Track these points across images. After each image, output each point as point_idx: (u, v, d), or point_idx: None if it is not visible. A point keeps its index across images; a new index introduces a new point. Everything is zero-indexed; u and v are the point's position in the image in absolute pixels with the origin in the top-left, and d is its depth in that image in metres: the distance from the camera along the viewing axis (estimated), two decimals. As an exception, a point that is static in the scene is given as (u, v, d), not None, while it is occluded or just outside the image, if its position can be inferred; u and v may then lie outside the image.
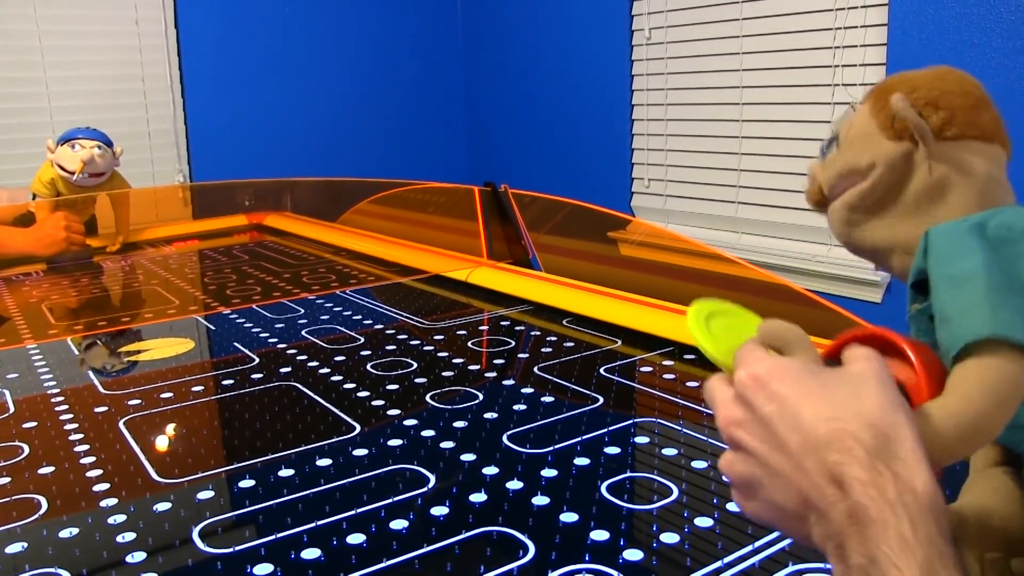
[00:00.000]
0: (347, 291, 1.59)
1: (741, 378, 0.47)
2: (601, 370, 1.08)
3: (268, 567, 0.65)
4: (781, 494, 0.44)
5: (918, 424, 0.43)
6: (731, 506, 0.72)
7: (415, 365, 1.13)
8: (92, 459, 0.86)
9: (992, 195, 0.51)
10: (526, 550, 0.66)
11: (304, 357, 1.18)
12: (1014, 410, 0.44)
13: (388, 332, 1.29)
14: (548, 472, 0.80)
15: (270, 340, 1.27)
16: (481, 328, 1.32)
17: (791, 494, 0.43)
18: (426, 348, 1.21)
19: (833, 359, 0.49)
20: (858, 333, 0.50)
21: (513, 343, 1.25)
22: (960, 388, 0.45)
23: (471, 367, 1.12)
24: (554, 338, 1.23)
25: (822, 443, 0.42)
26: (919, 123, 0.51)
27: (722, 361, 0.51)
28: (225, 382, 1.10)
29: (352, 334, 1.29)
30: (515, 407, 0.96)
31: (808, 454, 0.42)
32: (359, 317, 1.39)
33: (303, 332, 1.31)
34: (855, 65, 2.29)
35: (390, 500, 0.75)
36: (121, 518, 0.73)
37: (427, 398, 1.01)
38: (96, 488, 0.79)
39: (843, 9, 2.30)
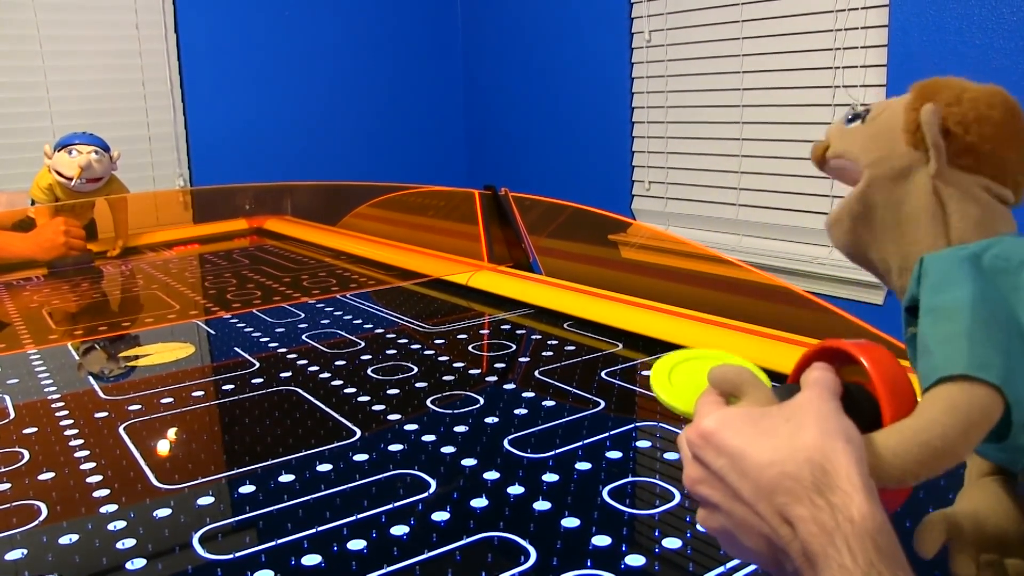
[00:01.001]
0: (347, 295, 1.59)
1: (691, 437, 0.48)
2: (602, 374, 1.08)
3: (268, 573, 0.64)
4: (751, 541, 0.45)
5: (867, 446, 0.44)
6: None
7: (416, 369, 1.13)
8: (92, 465, 0.86)
9: (993, 223, 0.50)
10: (527, 555, 0.66)
11: (304, 361, 1.18)
12: (980, 438, 0.44)
13: (388, 336, 1.29)
14: (549, 477, 0.79)
15: (270, 344, 1.27)
16: (482, 332, 1.32)
17: (758, 540, 0.45)
18: (427, 352, 1.20)
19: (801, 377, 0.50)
20: (819, 348, 0.51)
21: (514, 347, 1.24)
22: (927, 412, 0.45)
23: (472, 371, 1.12)
24: (555, 342, 1.23)
25: (769, 488, 0.43)
26: (938, 143, 0.49)
27: (685, 412, 0.52)
28: (225, 387, 1.09)
29: (352, 338, 1.29)
30: (516, 411, 0.96)
31: (760, 500, 0.44)
32: (359, 321, 1.39)
33: (303, 336, 1.31)
34: (856, 67, 2.29)
35: (391, 505, 0.75)
36: (121, 524, 0.73)
37: (428, 402, 1.00)
38: (96, 494, 0.79)
39: (844, 11, 2.30)
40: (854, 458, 0.42)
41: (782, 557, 0.43)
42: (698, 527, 0.50)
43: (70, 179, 1.98)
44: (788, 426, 0.45)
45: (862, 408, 0.47)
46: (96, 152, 2.01)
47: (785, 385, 0.51)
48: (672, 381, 0.55)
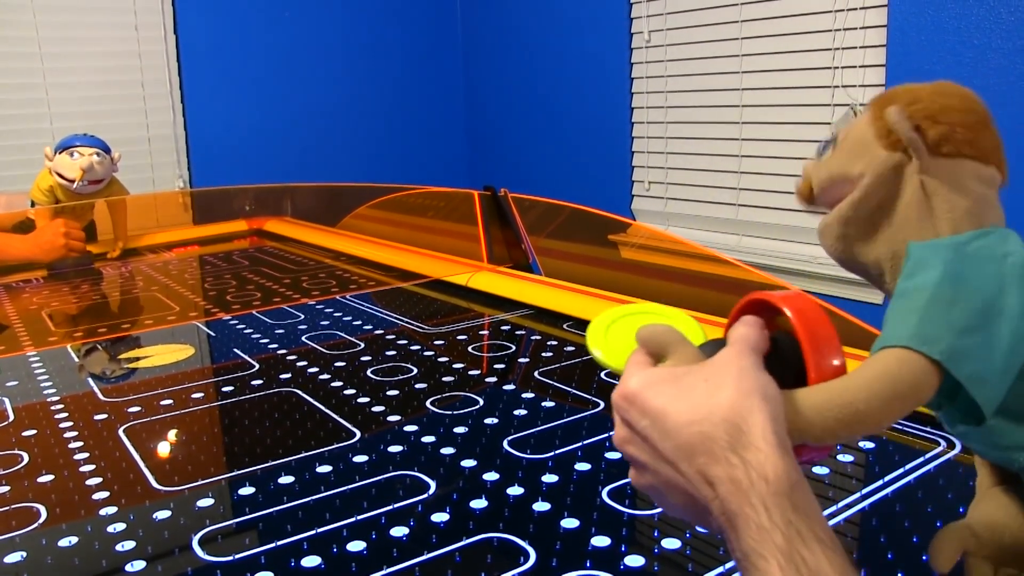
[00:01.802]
0: (347, 296, 1.59)
1: (615, 398, 0.49)
2: (602, 374, 1.08)
3: (268, 575, 0.64)
4: (678, 498, 0.46)
5: (789, 402, 0.44)
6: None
7: (415, 370, 1.13)
8: (92, 467, 0.86)
9: (982, 216, 0.50)
10: (527, 556, 0.66)
11: (304, 363, 1.18)
12: (904, 410, 0.45)
13: (388, 337, 1.29)
14: (549, 478, 0.79)
15: (270, 346, 1.27)
16: (481, 333, 1.32)
17: (685, 498, 0.45)
18: (426, 353, 1.20)
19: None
20: (747, 300, 0.51)
21: (513, 347, 1.24)
22: (858, 374, 0.45)
23: (471, 372, 1.12)
24: (555, 342, 1.23)
25: (689, 448, 0.44)
26: (912, 137, 0.50)
27: (619, 370, 0.52)
28: (225, 388, 1.10)
29: (352, 339, 1.29)
30: (516, 412, 0.96)
31: (681, 460, 0.44)
32: (359, 322, 1.39)
33: (303, 338, 1.31)
34: (855, 66, 2.29)
35: (390, 507, 0.75)
36: (121, 526, 0.73)
37: (427, 403, 1.01)
38: (95, 496, 0.79)
39: (842, 11, 2.30)
40: (769, 415, 0.43)
41: (706, 515, 0.44)
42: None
43: (72, 181, 1.98)
44: (706, 385, 0.45)
45: (788, 358, 0.48)
46: (98, 154, 2.01)
47: (712, 340, 0.52)
48: (608, 339, 0.55)
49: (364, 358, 1.19)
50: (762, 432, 0.42)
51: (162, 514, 0.75)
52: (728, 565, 0.63)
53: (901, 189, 0.51)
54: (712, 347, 0.50)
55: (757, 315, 0.50)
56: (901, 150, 0.51)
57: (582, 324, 1.30)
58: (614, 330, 0.56)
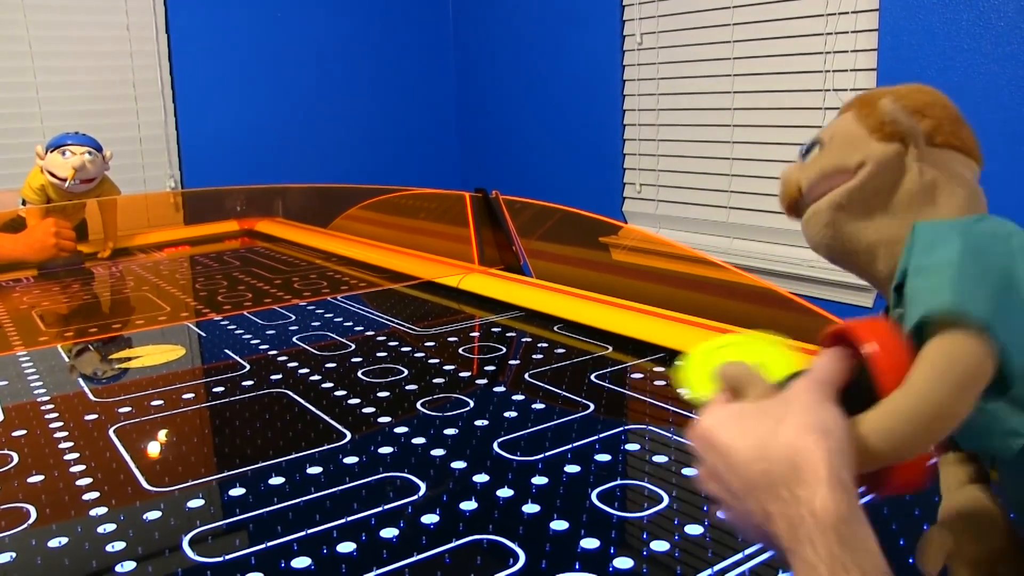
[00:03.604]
0: (338, 297, 1.59)
1: (693, 436, 0.50)
2: (592, 376, 1.08)
3: (258, 576, 0.65)
4: (753, 532, 0.47)
5: (852, 430, 0.44)
6: (721, 513, 0.72)
7: (406, 372, 1.13)
8: (82, 467, 0.86)
9: (977, 204, 0.52)
10: (516, 558, 0.66)
11: (295, 364, 1.18)
12: (974, 393, 0.44)
13: (379, 339, 1.29)
14: (539, 480, 0.80)
15: (261, 347, 1.27)
16: (472, 335, 1.32)
17: (757, 532, 0.46)
18: (417, 355, 1.20)
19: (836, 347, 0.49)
20: (833, 331, 0.50)
21: (504, 349, 1.25)
22: (914, 380, 0.44)
23: (462, 374, 1.12)
24: (545, 344, 1.23)
25: (751, 485, 0.45)
26: (912, 124, 0.51)
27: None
28: (216, 389, 1.10)
29: (343, 341, 1.29)
30: (506, 414, 0.96)
31: (748, 496, 0.45)
32: (350, 324, 1.39)
33: (294, 339, 1.31)
34: (846, 70, 2.30)
35: (380, 508, 0.75)
36: (111, 527, 0.73)
37: (418, 405, 1.01)
38: (86, 497, 0.79)
39: (834, 14, 2.31)
40: (826, 451, 0.43)
41: (775, 548, 0.45)
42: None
43: (64, 180, 1.98)
44: (770, 422, 0.46)
45: (870, 386, 0.47)
46: (89, 152, 2.01)
47: (795, 374, 0.51)
48: (700, 375, 0.56)
49: (355, 359, 1.19)
50: (814, 468, 0.42)
51: (152, 514, 0.75)
52: (716, 567, 0.64)
53: (901, 176, 0.52)
54: (791, 381, 0.50)
55: (846, 342, 0.49)
56: (898, 140, 0.52)
57: (573, 326, 1.30)
58: (707, 364, 0.56)
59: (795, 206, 0.58)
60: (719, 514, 0.50)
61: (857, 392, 0.47)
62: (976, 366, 0.43)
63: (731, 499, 0.47)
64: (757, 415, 0.47)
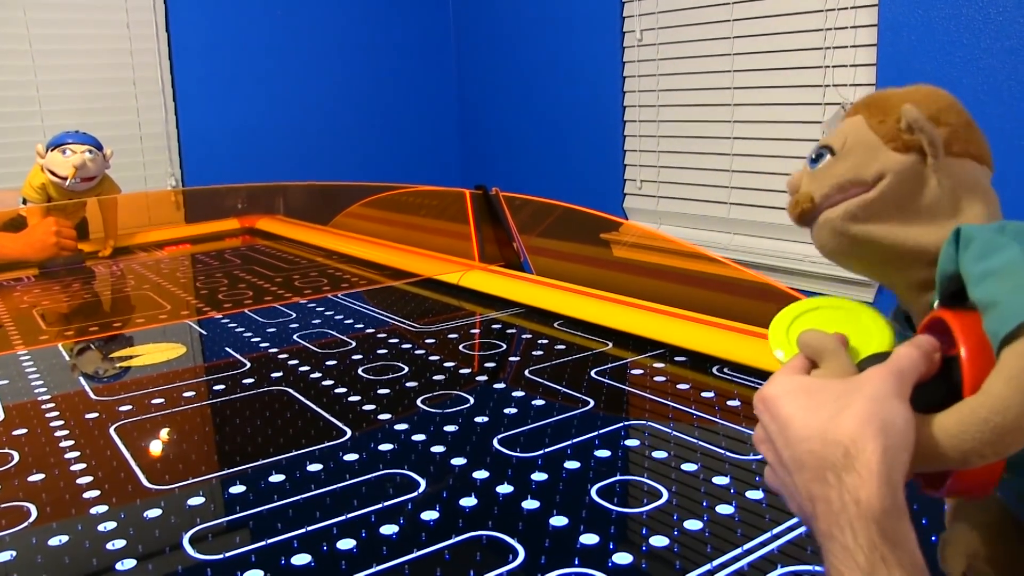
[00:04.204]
0: (339, 295, 1.59)
1: (755, 398, 0.50)
2: (592, 373, 1.08)
3: (258, 573, 0.65)
4: (792, 505, 0.47)
5: (924, 428, 0.44)
6: (720, 508, 0.72)
7: (406, 369, 1.13)
8: (82, 466, 0.86)
9: (996, 211, 0.51)
10: (516, 554, 0.66)
11: (295, 362, 1.18)
12: None
13: (379, 336, 1.30)
14: (538, 476, 0.80)
15: (261, 345, 1.27)
16: (472, 331, 1.32)
17: (796, 506, 0.47)
18: (417, 352, 1.21)
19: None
20: (933, 316, 0.49)
21: (504, 346, 1.25)
22: (991, 385, 0.43)
23: (462, 370, 1.12)
24: (545, 341, 1.23)
25: (800, 463, 0.45)
26: (935, 135, 0.50)
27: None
28: (216, 387, 1.10)
29: (343, 338, 1.29)
30: (506, 410, 0.97)
31: (795, 472, 0.46)
32: (350, 321, 1.39)
33: (294, 336, 1.31)
34: (845, 66, 2.30)
35: (380, 505, 0.75)
36: (111, 525, 0.73)
37: (418, 402, 1.01)
38: (86, 495, 0.79)
39: (833, 10, 2.31)
40: (882, 447, 0.42)
41: (811, 528, 0.45)
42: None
43: (64, 179, 1.98)
44: (835, 405, 0.45)
45: (956, 382, 0.45)
46: (90, 151, 2.01)
47: (875, 355, 0.51)
48: (789, 334, 0.55)
49: (355, 356, 1.19)
50: (867, 460, 0.42)
51: (153, 512, 0.75)
52: (716, 562, 0.64)
53: (921, 187, 0.51)
54: (872, 361, 0.49)
55: (941, 331, 0.48)
56: (915, 150, 0.51)
57: (573, 323, 1.30)
58: (797, 325, 0.55)
59: (805, 216, 0.57)
60: (764, 478, 0.51)
61: (936, 387, 0.46)
62: None
63: (779, 468, 0.47)
64: (824, 394, 0.46)
